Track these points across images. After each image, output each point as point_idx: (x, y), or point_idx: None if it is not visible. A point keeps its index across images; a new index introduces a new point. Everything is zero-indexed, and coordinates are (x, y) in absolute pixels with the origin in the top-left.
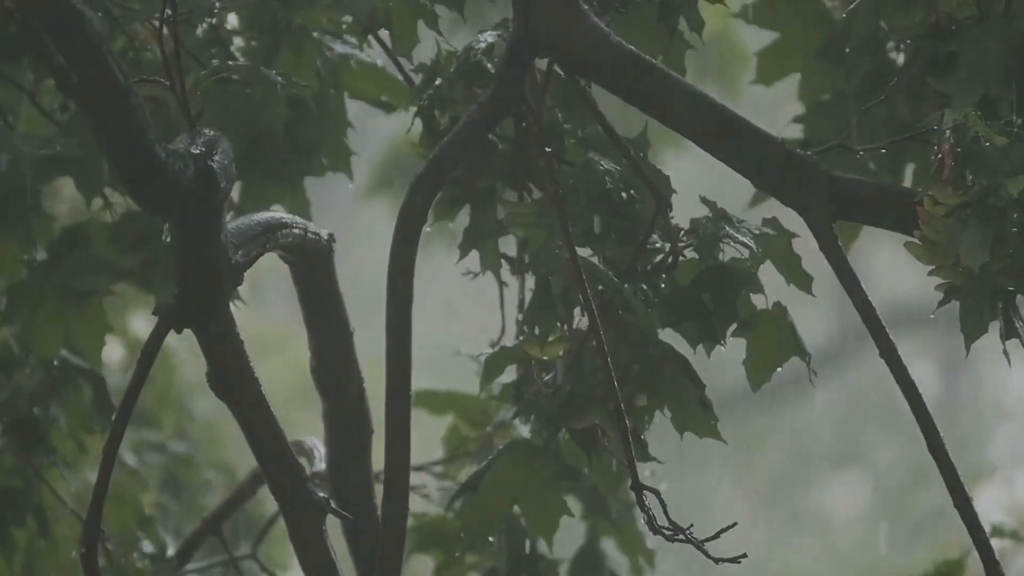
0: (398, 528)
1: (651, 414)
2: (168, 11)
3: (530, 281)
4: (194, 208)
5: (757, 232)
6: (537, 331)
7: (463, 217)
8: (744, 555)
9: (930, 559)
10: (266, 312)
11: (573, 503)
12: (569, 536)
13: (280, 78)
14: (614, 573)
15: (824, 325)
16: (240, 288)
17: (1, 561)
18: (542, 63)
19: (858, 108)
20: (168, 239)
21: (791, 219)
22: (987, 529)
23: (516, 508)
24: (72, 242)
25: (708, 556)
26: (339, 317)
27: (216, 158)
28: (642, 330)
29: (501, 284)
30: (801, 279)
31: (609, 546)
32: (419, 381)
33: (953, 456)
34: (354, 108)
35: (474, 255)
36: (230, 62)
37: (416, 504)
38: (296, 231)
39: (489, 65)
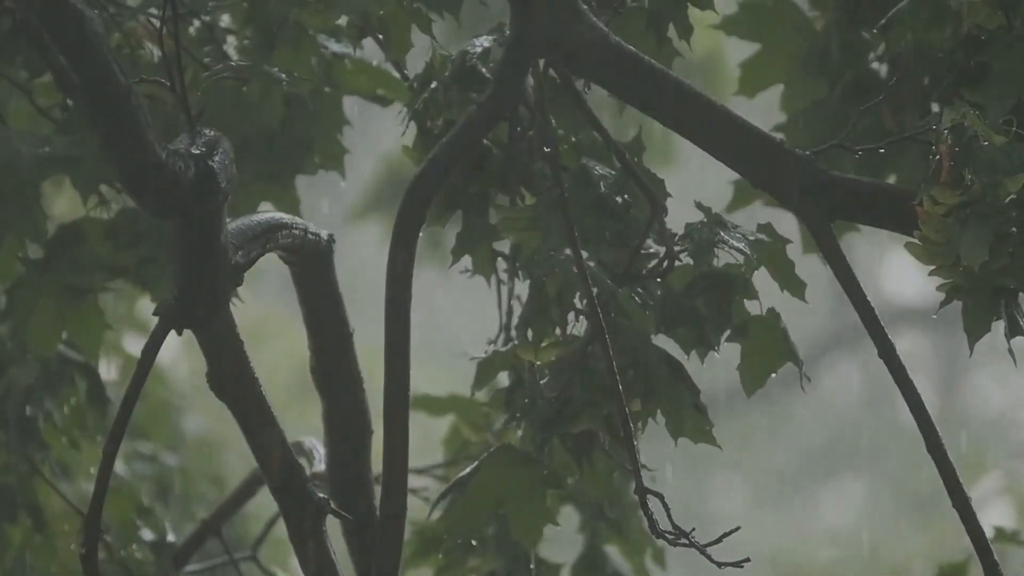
0: (396, 527)
1: (645, 419)
2: (168, 10)
3: (520, 287)
4: (195, 209)
5: (752, 238)
6: (531, 335)
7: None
8: (747, 559)
9: (928, 548)
10: (261, 301)
11: (570, 513)
12: (572, 539)
13: (283, 75)
14: (619, 574)
15: (820, 320)
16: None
17: None
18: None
19: (841, 117)
20: (168, 239)
21: (786, 224)
22: (987, 530)
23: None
24: (69, 239)
25: (712, 560)
26: (339, 317)
27: (216, 158)
28: (637, 335)
29: (499, 283)
30: (794, 285)
31: (613, 550)
32: (421, 380)
33: (951, 455)
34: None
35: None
36: (231, 62)
37: (417, 507)
38: (296, 232)
39: (484, 70)
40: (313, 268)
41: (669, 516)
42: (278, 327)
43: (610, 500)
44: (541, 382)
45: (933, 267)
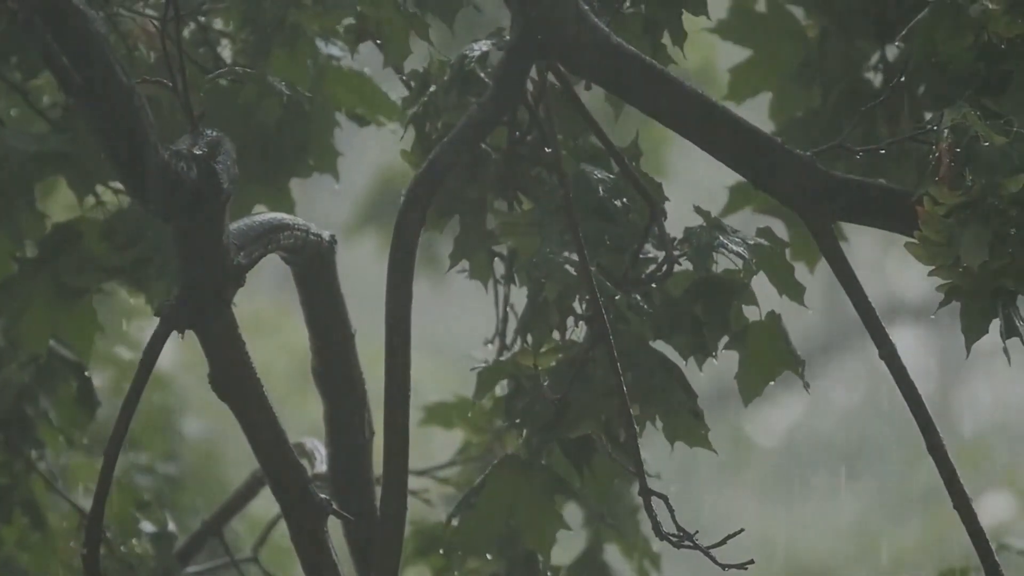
0: (396, 527)
1: (643, 424)
2: (169, 11)
3: (515, 293)
4: (197, 209)
5: (751, 242)
6: (530, 340)
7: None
8: (751, 561)
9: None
10: (259, 294)
11: (574, 509)
12: (572, 540)
13: (283, 85)
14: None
15: (816, 316)
16: None
17: None
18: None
19: (836, 126)
20: (171, 240)
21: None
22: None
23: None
24: (63, 239)
25: (716, 563)
26: (340, 318)
27: (219, 159)
28: (635, 339)
29: (496, 284)
30: (794, 290)
31: (611, 551)
32: (423, 381)
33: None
34: (345, 129)
35: None
36: (235, 66)
37: (419, 509)
38: (298, 232)
39: (482, 74)
40: (315, 269)
41: (673, 518)
42: (275, 321)
43: (610, 506)
44: (543, 384)
45: (933, 267)
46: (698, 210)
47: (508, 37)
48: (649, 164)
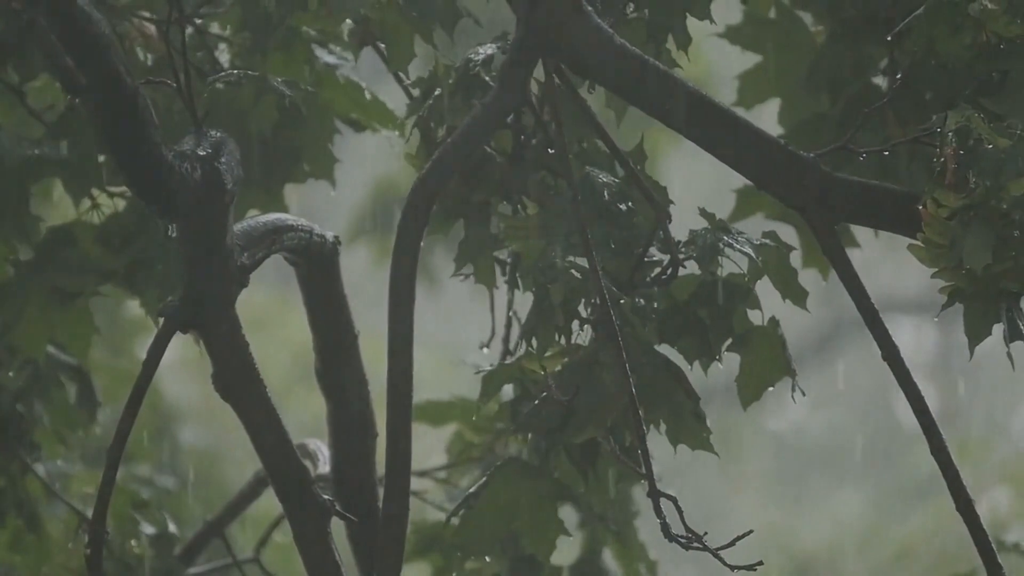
0: (398, 528)
1: (647, 427)
2: (173, 13)
3: (519, 298)
4: (201, 210)
5: (757, 242)
6: (535, 344)
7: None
8: (760, 562)
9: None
10: (260, 289)
11: (568, 511)
12: (566, 540)
13: (286, 87)
14: None
15: (815, 311)
16: None
17: None
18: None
19: (844, 131)
20: (175, 240)
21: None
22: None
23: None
24: (59, 242)
25: (725, 564)
26: (344, 319)
27: (223, 159)
28: (639, 342)
29: (492, 289)
30: (797, 294)
31: (609, 555)
32: (423, 380)
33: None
34: (342, 139)
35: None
36: (236, 69)
37: (419, 509)
38: (302, 233)
39: (487, 77)
40: (318, 270)
41: (682, 519)
42: (277, 315)
43: (613, 511)
44: (551, 386)
45: (935, 270)
46: (703, 213)
47: (511, 39)
48: (647, 166)
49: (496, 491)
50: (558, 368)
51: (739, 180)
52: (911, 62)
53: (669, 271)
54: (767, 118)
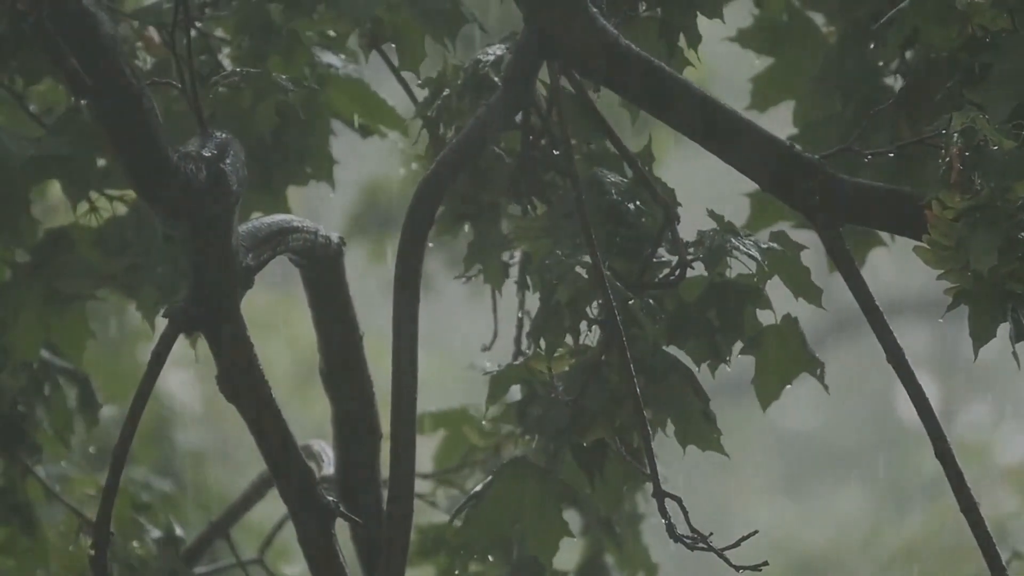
0: (402, 529)
1: (656, 428)
2: (179, 13)
3: (531, 299)
4: (206, 211)
5: (764, 246)
6: (543, 344)
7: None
8: (766, 562)
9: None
10: (265, 291)
11: (573, 516)
12: (568, 544)
13: (289, 85)
14: None
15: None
16: None
17: None
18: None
19: (854, 130)
20: (179, 242)
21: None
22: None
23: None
24: (56, 245)
25: (731, 564)
26: (348, 320)
27: (228, 161)
28: (648, 343)
29: (495, 290)
30: (810, 292)
31: (611, 560)
32: (428, 381)
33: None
34: (337, 140)
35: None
36: (241, 70)
37: (424, 512)
38: (307, 235)
39: (496, 78)
40: (323, 271)
41: (687, 520)
42: (280, 317)
43: (618, 515)
44: (558, 388)
45: (941, 271)
46: (711, 214)
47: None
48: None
49: (501, 491)
50: (566, 369)
51: (741, 180)
52: (891, 50)
53: (677, 272)
54: (780, 121)
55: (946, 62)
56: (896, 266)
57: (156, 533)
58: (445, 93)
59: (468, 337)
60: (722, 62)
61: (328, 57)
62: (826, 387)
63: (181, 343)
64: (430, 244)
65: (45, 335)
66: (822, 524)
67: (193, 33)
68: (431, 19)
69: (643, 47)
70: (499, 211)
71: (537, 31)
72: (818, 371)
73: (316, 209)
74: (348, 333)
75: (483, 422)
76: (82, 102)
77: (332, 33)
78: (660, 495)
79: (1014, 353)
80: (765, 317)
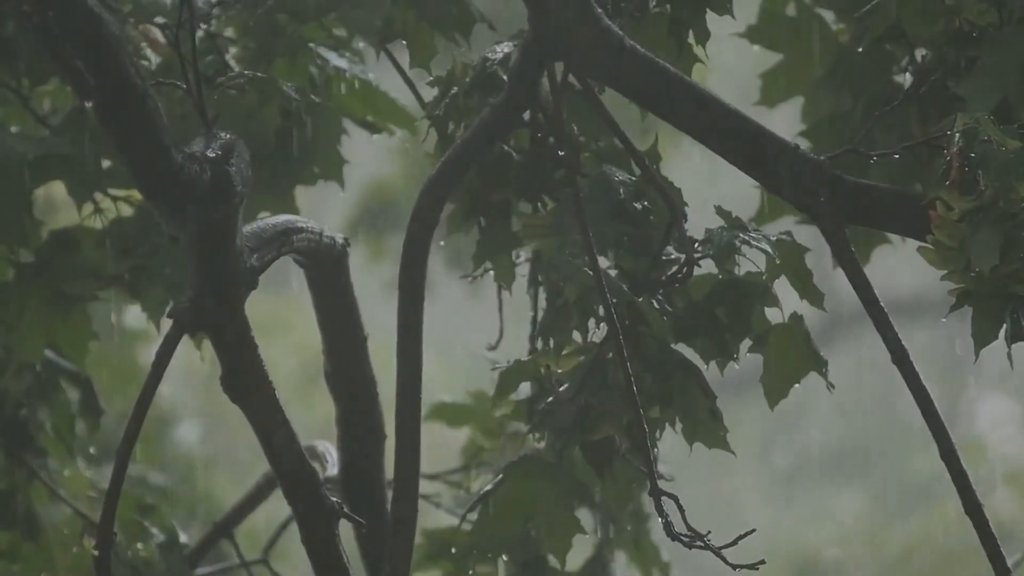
0: (407, 530)
1: (663, 426)
2: (184, 14)
3: (522, 298)
4: (210, 212)
5: (774, 238)
6: (552, 342)
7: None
8: (763, 561)
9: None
10: (269, 294)
11: (584, 515)
12: (581, 548)
13: (294, 91)
14: None
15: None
16: None
17: None
18: (557, 72)
19: (864, 126)
20: (184, 242)
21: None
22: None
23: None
24: (60, 246)
25: (727, 563)
26: (353, 321)
27: (232, 161)
28: (655, 341)
29: (501, 289)
30: (813, 294)
31: (620, 558)
32: (433, 382)
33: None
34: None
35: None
36: (246, 72)
37: (430, 513)
38: (311, 235)
39: (504, 76)
40: (328, 272)
41: (684, 518)
42: (286, 321)
43: (627, 512)
44: (561, 388)
45: (945, 272)
46: (719, 211)
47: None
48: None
49: (512, 489)
50: (573, 366)
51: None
52: (868, 39)
53: (685, 270)
54: (786, 117)
55: (922, 48)
56: (900, 265)
57: (157, 532)
58: (453, 92)
59: (469, 337)
60: (725, 58)
61: (335, 59)
62: (831, 385)
63: (185, 343)
64: (441, 243)
65: (48, 337)
66: (823, 525)
67: (200, 33)
68: (439, 21)
69: (652, 44)
70: (508, 209)
71: (540, 34)
72: (824, 369)
73: (315, 208)
74: (353, 334)
75: (497, 413)
76: (86, 103)
77: (339, 33)
78: (657, 493)
79: (1008, 354)
80: (772, 315)
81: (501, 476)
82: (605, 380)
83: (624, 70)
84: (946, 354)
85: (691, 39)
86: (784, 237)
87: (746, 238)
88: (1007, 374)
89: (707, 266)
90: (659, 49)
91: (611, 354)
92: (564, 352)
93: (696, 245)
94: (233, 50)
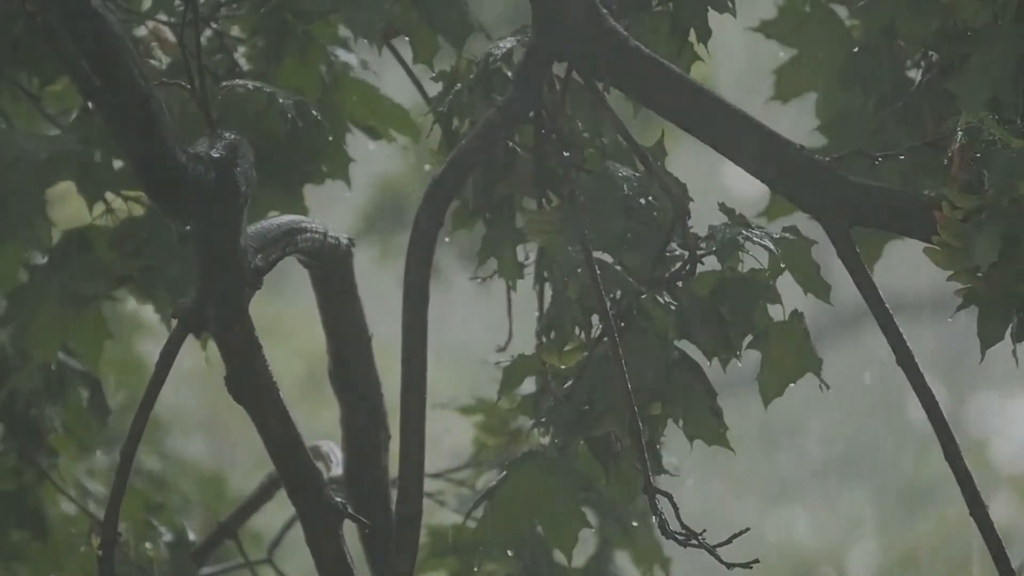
0: (411, 530)
1: (665, 423)
2: (188, 14)
3: (527, 295)
4: (215, 212)
5: (777, 236)
6: (554, 337)
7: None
8: (757, 560)
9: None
10: (277, 299)
11: (587, 511)
12: (580, 541)
13: (291, 98)
14: None
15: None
16: None
17: None
18: (561, 69)
19: (877, 123)
20: (188, 243)
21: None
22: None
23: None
24: (73, 246)
25: (721, 562)
26: (357, 322)
27: (237, 162)
28: (659, 337)
29: (509, 289)
30: (819, 287)
31: (622, 556)
32: (436, 383)
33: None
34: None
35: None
36: (246, 80)
37: (434, 512)
38: (316, 235)
39: (508, 72)
40: (332, 272)
41: (678, 516)
42: (291, 324)
43: (625, 508)
44: (563, 386)
45: (951, 272)
46: (723, 207)
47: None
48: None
49: (516, 485)
50: (576, 362)
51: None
52: (864, 38)
53: (689, 267)
54: (792, 114)
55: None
56: (905, 264)
57: (164, 530)
58: (457, 88)
59: (477, 334)
60: (727, 55)
61: (344, 56)
62: (825, 384)
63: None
64: (446, 239)
65: (62, 337)
66: (823, 526)
67: (208, 32)
68: (440, 24)
69: (654, 42)
70: (514, 205)
71: (544, 34)
72: (818, 368)
73: (321, 207)
74: (357, 334)
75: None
76: (91, 104)
77: (343, 34)
78: (651, 491)
79: (1014, 352)
80: (774, 312)
81: (505, 473)
82: (605, 376)
83: (629, 70)
84: (951, 354)
85: (691, 38)
86: (788, 235)
87: (749, 235)
88: (1013, 375)
89: (711, 263)
90: (661, 48)
91: (609, 348)
92: (567, 348)
93: (700, 242)
94: (242, 49)
